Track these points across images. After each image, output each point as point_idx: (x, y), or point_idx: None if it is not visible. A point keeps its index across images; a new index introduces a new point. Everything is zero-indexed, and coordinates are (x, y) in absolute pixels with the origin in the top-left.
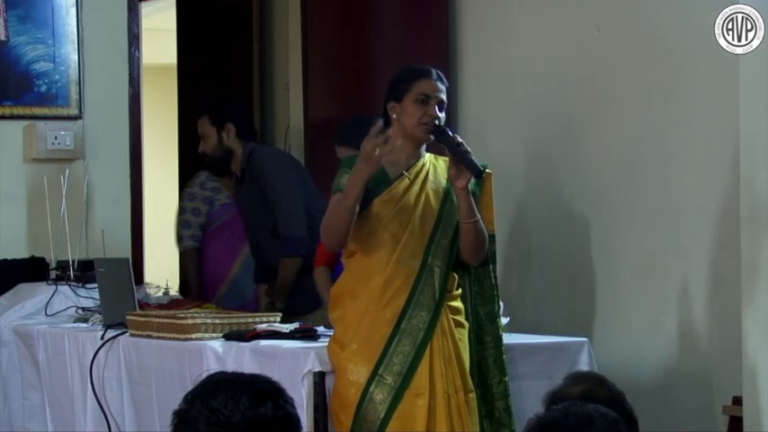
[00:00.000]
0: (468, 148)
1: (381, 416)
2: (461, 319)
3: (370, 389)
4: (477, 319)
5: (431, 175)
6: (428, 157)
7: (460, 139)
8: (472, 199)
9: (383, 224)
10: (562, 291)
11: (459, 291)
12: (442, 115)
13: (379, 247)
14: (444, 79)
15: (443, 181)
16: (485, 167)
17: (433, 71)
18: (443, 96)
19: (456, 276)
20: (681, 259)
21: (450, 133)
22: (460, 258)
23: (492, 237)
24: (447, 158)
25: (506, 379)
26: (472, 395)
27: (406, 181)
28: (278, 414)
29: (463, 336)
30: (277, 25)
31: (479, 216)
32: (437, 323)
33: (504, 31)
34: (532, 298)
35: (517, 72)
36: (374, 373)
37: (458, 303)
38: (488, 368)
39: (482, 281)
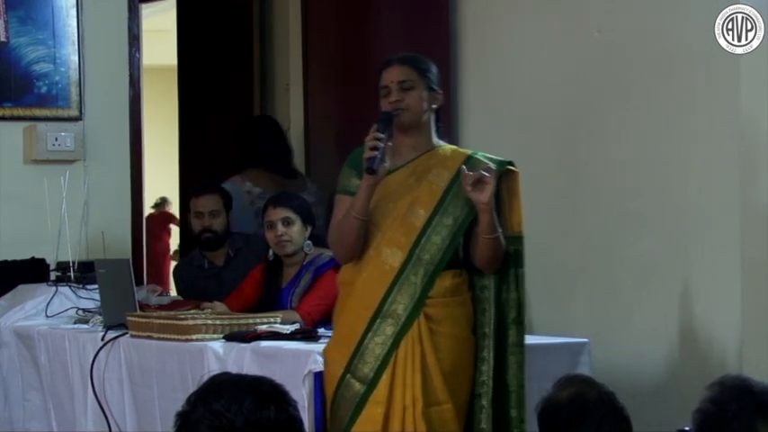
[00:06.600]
0: (382, 145)
1: (349, 414)
2: (460, 329)
3: (342, 384)
4: (502, 322)
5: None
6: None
7: (386, 136)
8: (495, 214)
9: (372, 219)
10: (563, 292)
11: (462, 297)
12: (412, 95)
13: (367, 240)
14: (412, 60)
15: (445, 173)
16: (504, 164)
17: (396, 57)
18: (403, 77)
19: (460, 281)
20: (682, 260)
21: (390, 126)
22: (474, 264)
23: (519, 238)
24: (454, 147)
25: (522, 391)
26: (447, 407)
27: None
28: (281, 417)
29: (452, 346)
30: (277, 26)
31: (500, 230)
32: (408, 330)
33: (504, 33)
34: (534, 299)
35: (518, 72)
36: (347, 370)
37: (460, 311)
38: (506, 372)
39: (510, 284)
